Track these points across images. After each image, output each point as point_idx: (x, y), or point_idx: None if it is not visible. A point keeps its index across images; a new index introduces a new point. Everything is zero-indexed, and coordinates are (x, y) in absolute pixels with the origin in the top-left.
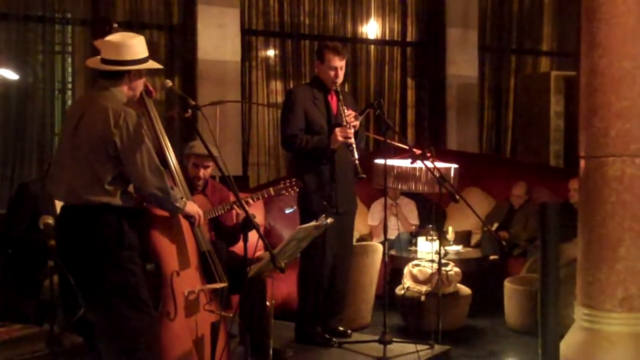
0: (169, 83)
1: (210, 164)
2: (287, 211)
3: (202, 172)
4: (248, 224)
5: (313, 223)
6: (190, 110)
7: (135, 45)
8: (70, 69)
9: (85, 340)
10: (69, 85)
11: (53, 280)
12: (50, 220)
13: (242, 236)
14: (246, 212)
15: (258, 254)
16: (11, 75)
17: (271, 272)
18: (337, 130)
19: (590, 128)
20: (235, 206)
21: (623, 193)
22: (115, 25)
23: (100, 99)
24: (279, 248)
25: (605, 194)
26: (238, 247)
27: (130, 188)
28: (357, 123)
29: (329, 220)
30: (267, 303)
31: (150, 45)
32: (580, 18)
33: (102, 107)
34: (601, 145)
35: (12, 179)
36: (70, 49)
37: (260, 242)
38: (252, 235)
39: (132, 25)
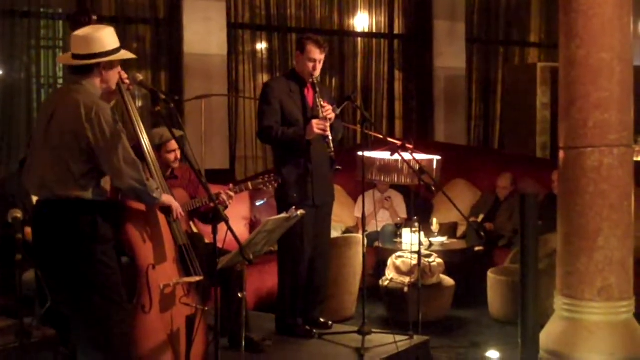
0: (139, 77)
1: (176, 145)
2: (257, 203)
3: (174, 155)
4: (217, 215)
5: (283, 215)
6: (160, 104)
7: (104, 37)
8: (61, 64)
9: (58, 333)
10: (60, 80)
11: (22, 274)
12: (19, 215)
13: (212, 228)
14: (215, 203)
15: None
16: None
17: (242, 264)
18: (314, 121)
19: (569, 119)
20: (221, 194)
21: (601, 183)
22: (95, 17)
23: (72, 92)
24: (247, 240)
25: (584, 184)
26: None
27: (105, 181)
28: (332, 116)
29: (300, 212)
30: (239, 294)
31: (136, 39)
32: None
33: (73, 101)
34: (579, 136)
35: None
36: (61, 43)
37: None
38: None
39: (117, 20)
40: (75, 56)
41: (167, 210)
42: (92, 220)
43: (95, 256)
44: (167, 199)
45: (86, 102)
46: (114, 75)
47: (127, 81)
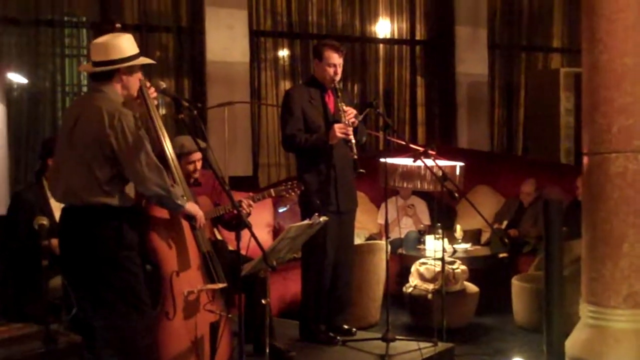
0: (162, 85)
1: (199, 156)
2: (280, 210)
3: (193, 167)
4: (240, 222)
5: (306, 221)
6: (183, 112)
7: (122, 44)
8: (85, 73)
9: (84, 339)
10: (84, 88)
11: (48, 281)
12: (45, 222)
13: (235, 235)
14: (238, 210)
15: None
16: (21, 79)
17: (265, 270)
18: (336, 126)
19: (593, 124)
20: (242, 202)
21: (626, 189)
22: (119, 25)
23: (94, 100)
24: (270, 247)
25: (608, 190)
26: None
27: (129, 188)
28: (356, 121)
29: (323, 218)
30: (263, 301)
31: (159, 47)
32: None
33: (96, 109)
34: (604, 142)
35: (24, 183)
36: (85, 52)
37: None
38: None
39: (141, 28)
40: (95, 63)
41: (191, 218)
42: (117, 227)
43: (121, 262)
44: (191, 207)
45: (108, 109)
46: (135, 82)
47: (151, 90)
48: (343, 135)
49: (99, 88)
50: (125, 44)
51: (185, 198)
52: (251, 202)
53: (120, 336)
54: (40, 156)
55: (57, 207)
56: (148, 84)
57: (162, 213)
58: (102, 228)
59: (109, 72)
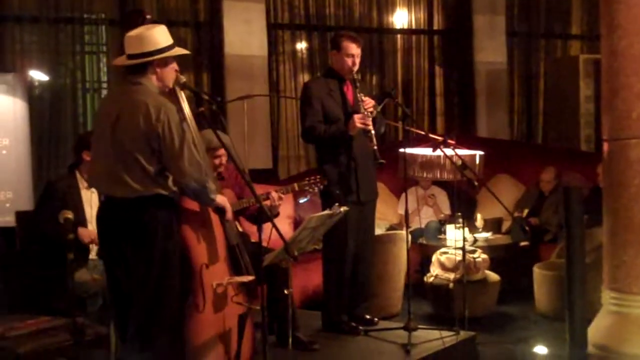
0: (183, 78)
1: (223, 151)
2: (301, 201)
3: (219, 161)
4: (262, 215)
5: (327, 212)
6: (204, 105)
7: (156, 35)
8: (105, 69)
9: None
10: (104, 85)
11: (74, 274)
12: (70, 215)
13: (257, 227)
14: (260, 203)
15: None
16: (42, 76)
17: (287, 261)
18: (355, 116)
19: (613, 110)
20: (271, 194)
21: None
22: (149, 16)
23: (135, 94)
24: (292, 237)
25: (629, 177)
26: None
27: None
28: (374, 111)
29: (343, 208)
30: (285, 291)
31: (177, 42)
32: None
33: (140, 103)
34: (624, 128)
35: (47, 179)
36: (105, 48)
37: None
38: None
39: (159, 23)
40: (130, 56)
41: (220, 210)
42: (168, 218)
43: (168, 254)
44: (221, 199)
45: (153, 103)
46: (170, 73)
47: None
48: (362, 126)
49: (137, 80)
50: (159, 36)
51: (216, 192)
52: (281, 195)
53: (155, 324)
54: (75, 150)
55: (87, 200)
56: (183, 79)
57: (193, 205)
58: (153, 217)
59: (144, 64)
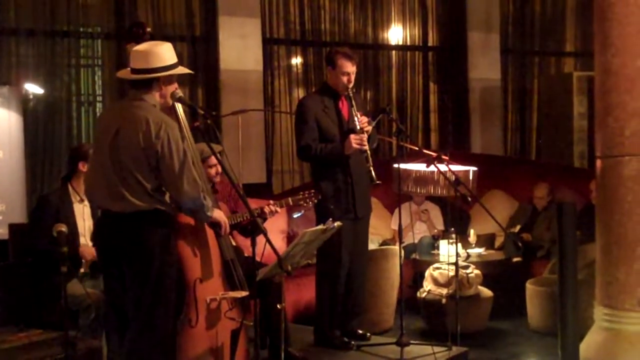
0: (179, 93)
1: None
2: (295, 215)
3: (215, 170)
4: (256, 228)
5: (320, 226)
6: (199, 120)
7: (163, 52)
8: (100, 82)
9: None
10: (99, 98)
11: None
12: (64, 228)
13: (250, 241)
14: (254, 217)
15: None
16: (37, 89)
17: (280, 275)
18: (351, 137)
19: (606, 128)
20: (264, 208)
21: None
22: (149, 29)
23: (136, 109)
24: (285, 252)
25: (622, 194)
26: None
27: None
28: (369, 128)
29: (337, 223)
30: (278, 306)
31: None
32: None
33: (141, 118)
34: (616, 145)
35: (41, 192)
36: (100, 62)
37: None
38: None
39: (155, 37)
40: (135, 71)
41: (216, 225)
42: (166, 233)
43: (164, 268)
44: (217, 214)
45: (154, 119)
46: (172, 91)
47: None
48: (358, 146)
49: (139, 96)
50: (166, 53)
51: (213, 207)
52: (277, 209)
53: (150, 337)
54: (69, 160)
55: (79, 214)
56: (179, 93)
57: (188, 220)
58: (151, 233)
59: (148, 80)
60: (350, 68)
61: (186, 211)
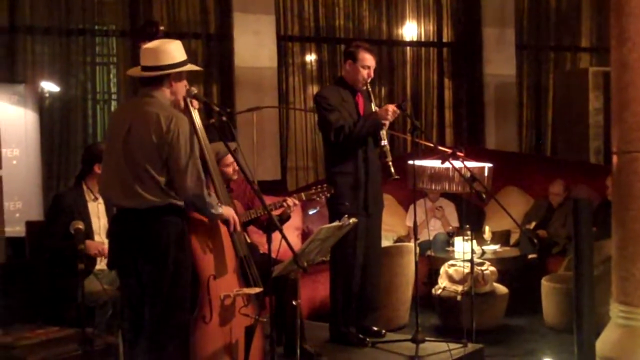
0: (194, 90)
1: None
2: (310, 212)
3: (232, 168)
4: (271, 225)
5: (336, 223)
6: (214, 117)
7: (173, 50)
8: (115, 80)
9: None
10: (114, 96)
11: (84, 283)
12: (81, 225)
13: (266, 238)
14: (269, 213)
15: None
16: (52, 87)
17: (296, 272)
18: (389, 105)
19: (622, 123)
20: (287, 201)
21: None
22: (162, 27)
23: (147, 106)
24: (301, 248)
25: (638, 189)
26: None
27: None
28: (388, 121)
29: (352, 220)
30: (293, 302)
31: (188, 54)
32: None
33: (151, 114)
34: (633, 140)
35: (57, 190)
36: (115, 60)
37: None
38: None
39: (169, 35)
40: (145, 68)
41: (226, 221)
42: (180, 228)
43: (179, 265)
44: (226, 211)
45: (165, 114)
46: (182, 88)
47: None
48: (394, 115)
49: (150, 93)
50: (175, 51)
51: (220, 205)
52: (296, 201)
53: (166, 332)
54: (83, 161)
55: (94, 212)
56: (194, 90)
57: (200, 216)
58: (167, 227)
59: (159, 77)
60: (372, 62)
61: (189, 205)
